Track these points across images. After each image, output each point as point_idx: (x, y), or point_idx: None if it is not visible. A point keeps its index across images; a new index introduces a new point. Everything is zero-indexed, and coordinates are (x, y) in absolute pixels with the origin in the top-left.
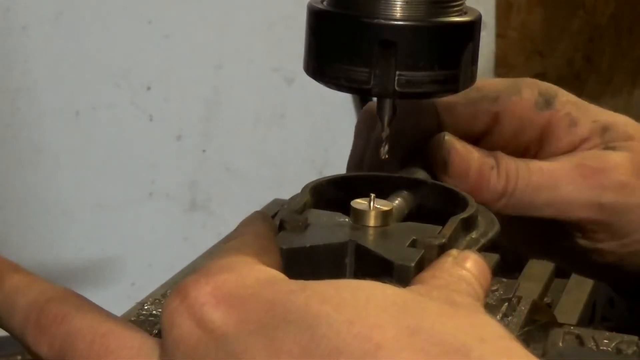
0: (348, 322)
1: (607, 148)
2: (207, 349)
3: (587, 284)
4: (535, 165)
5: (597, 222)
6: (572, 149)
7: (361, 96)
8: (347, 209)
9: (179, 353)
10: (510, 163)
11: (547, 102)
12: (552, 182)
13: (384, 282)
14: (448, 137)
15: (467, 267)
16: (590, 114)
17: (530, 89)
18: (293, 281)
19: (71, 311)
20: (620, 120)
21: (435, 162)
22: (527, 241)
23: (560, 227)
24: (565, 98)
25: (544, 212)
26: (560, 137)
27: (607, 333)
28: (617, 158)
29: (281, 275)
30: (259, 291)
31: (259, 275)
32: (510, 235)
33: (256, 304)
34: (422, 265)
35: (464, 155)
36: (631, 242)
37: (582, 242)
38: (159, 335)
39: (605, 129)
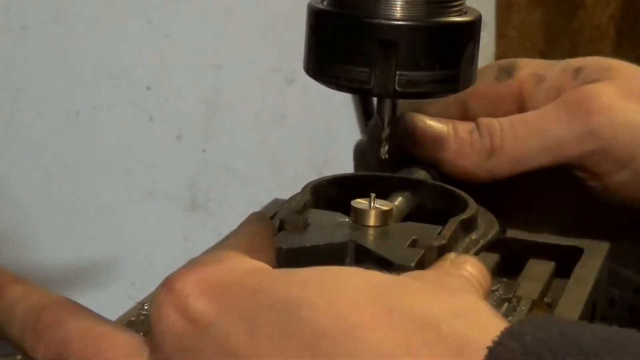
0: (327, 304)
1: (586, 83)
2: (192, 339)
3: (587, 284)
4: (518, 117)
5: (594, 153)
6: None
7: (361, 96)
8: (347, 209)
9: (166, 345)
10: (492, 121)
11: (508, 72)
12: (538, 127)
13: None
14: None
15: (466, 269)
16: (557, 65)
17: (489, 69)
18: (277, 269)
19: (66, 317)
20: (591, 59)
21: (409, 139)
22: (544, 217)
23: (565, 179)
24: (525, 62)
25: (538, 161)
26: (534, 96)
27: None
28: (598, 86)
29: (267, 266)
30: (242, 280)
31: (244, 266)
32: (530, 217)
33: (240, 292)
34: (422, 266)
35: (433, 126)
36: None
37: (593, 184)
38: None
39: (578, 71)
